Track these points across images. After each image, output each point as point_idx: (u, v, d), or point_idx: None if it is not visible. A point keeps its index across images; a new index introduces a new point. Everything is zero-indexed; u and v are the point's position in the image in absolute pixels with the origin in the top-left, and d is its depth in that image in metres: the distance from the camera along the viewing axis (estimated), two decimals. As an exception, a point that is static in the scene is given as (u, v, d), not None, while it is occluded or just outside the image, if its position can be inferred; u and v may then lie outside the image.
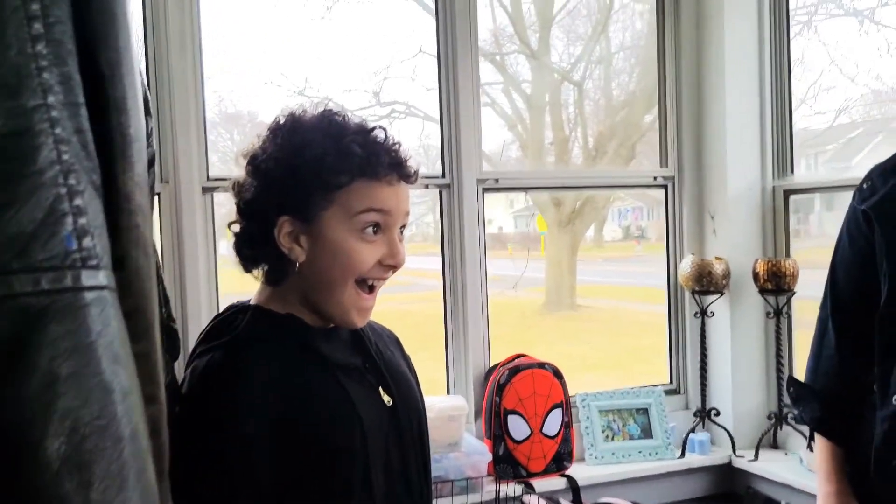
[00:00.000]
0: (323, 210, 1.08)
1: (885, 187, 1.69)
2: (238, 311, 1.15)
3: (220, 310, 1.21)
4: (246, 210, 1.12)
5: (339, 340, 1.18)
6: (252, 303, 1.17)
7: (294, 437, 1.05)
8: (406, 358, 1.34)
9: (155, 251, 0.58)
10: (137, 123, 0.52)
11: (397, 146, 1.13)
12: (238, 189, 1.13)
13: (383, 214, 1.10)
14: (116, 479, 0.42)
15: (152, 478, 0.46)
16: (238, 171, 1.15)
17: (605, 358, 6.15)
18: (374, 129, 1.13)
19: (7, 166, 0.41)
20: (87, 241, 0.44)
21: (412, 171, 1.14)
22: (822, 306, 1.82)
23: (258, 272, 1.16)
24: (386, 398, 1.16)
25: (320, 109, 1.15)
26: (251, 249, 1.14)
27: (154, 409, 0.51)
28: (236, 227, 1.15)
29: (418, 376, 1.35)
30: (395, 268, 1.14)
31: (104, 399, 0.43)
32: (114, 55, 0.50)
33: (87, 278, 0.44)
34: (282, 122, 1.14)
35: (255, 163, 1.11)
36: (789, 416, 2.69)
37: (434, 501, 2.22)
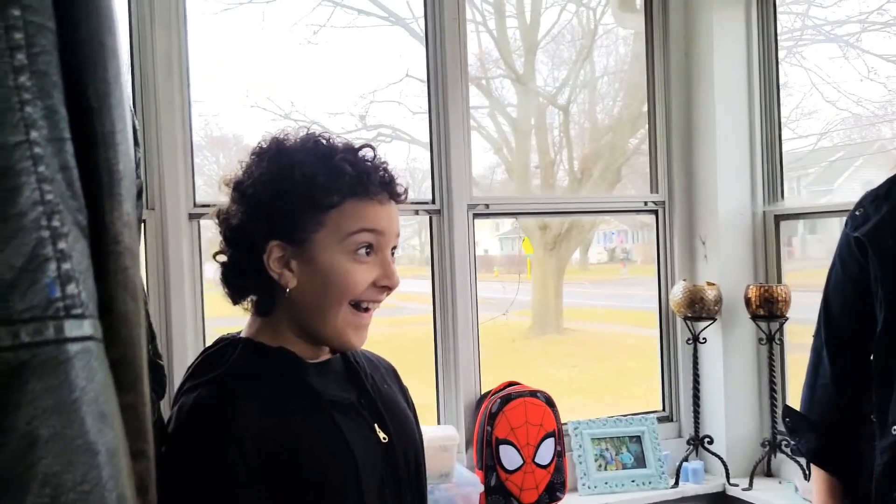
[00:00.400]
0: (314, 233, 1.06)
1: (877, 214, 1.69)
2: (228, 345, 1.11)
3: (207, 339, 1.18)
4: (232, 238, 1.09)
5: (333, 374, 1.15)
6: (242, 335, 1.13)
7: (285, 476, 1.01)
8: (404, 390, 1.30)
9: (144, 294, 0.55)
10: (127, 159, 0.49)
11: (386, 165, 1.12)
12: (223, 217, 1.10)
13: (376, 235, 1.08)
14: (103, 550, 0.39)
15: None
16: (223, 198, 1.12)
17: (593, 382, 6.12)
18: (362, 147, 1.12)
19: (-15, 209, 0.38)
20: (71, 288, 0.41)
21: (402, 190, 1.13)
22: (816, 335, 1.81)
23: (247, 303, 1.13)
24: (381, 434, 1.13)
25: (303, 133, 1.12)
26: (239, 279, 1.11)
27: (142, 465, 0.48)
28: (222, 257, 1.12)
29: (415, 408, 1.31)
30: (389, 289, 1.12)
31: (89, 462, 0.39)
32: (102, 87, 0.47)
33: (71, 329, 0.40)
34: (265, 146, 1.11)
35: (241, 188, 1.08)
36: (783, 444, 2.66)
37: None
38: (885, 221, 1.68)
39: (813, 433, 1.76)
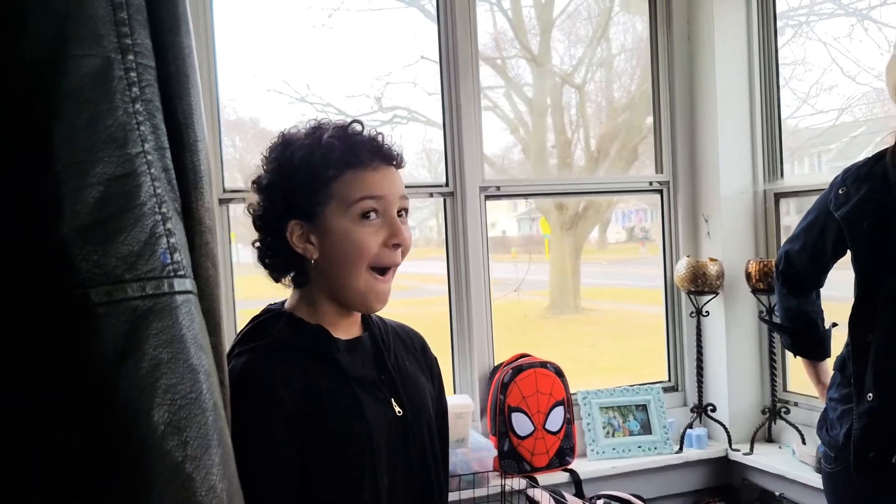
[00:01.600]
0: (324, 206, 1.20)
1: (857, 195, 1.82)
2: (273, 317, 1.27)
3: (238, 321, 1.33)
4: (260, 224, 1.26)
5: (362, 352, 1.29)
6: (286, 307, 1.29)
7: (312, 439, 1.17)
8: (430, 362, 1.45)
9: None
10: (206, 160, 0.65)
11: (376, 135, 1.25)
12: (252, 210, 1.27)
13: (378, 200, 1.21)
14: (204, 440, 0.55)
15: (229, 440, 0.58)
16: (251, 196, 1.29)
17: (611, 361, 6.23)
18: (351, 123, 1.25)
19: (120, 201, 0.54)
20: (177, 256, 0.57)
21: (395, 155, 1.25)
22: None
23: (287, 280, 1.29)
24: (397, 408, 1.27)
25: (310, 125, 1.28)
26: (272, 258, 1.27)
27: (223, 389, 0.64)
28: (257, 243, 1.28)
29: (441, 378, 1.47)
30: (400, 246, 1.23)
31: (193, 378, 0.55)
32: (188, 107, 0.63)
33: (178, 285, 0.56)
34: (275, 141, 1.27)
35: (259, 182, 1.26)
36: (782, 411, 2.80)
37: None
38: (863, 201, 1.82)
39: (788, 337, 2.20)
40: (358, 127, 1.25)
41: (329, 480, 1.19)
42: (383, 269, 1.24)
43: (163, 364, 0.54)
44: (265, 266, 1.28)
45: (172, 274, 0.56)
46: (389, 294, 1.27)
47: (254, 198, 1.27)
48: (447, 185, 2.72)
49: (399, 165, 1.26)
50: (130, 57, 0.58)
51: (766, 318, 2.71)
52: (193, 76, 0.64)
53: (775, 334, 2.83)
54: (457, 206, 2.71)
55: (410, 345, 1.42)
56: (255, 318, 1.29)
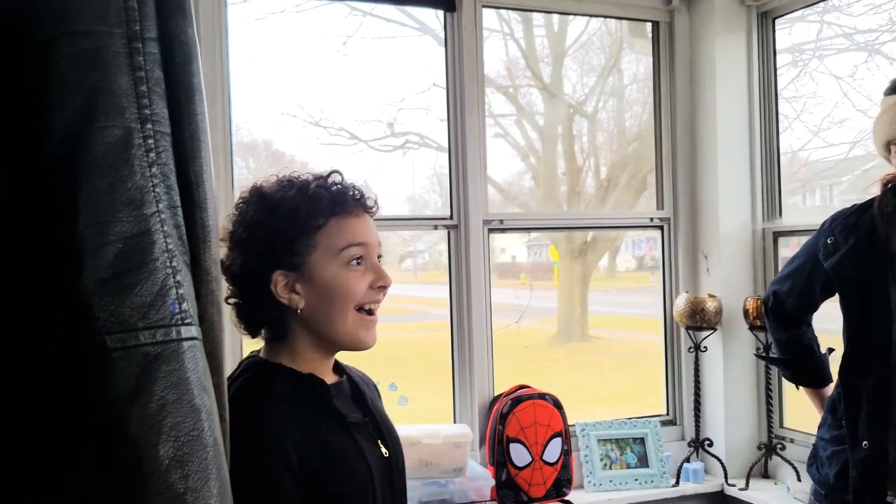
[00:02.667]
0: (309, 255, 1.22)
1: (845, 245, 1.87)
2: (263, 370, 1.25)
3: (245, 348, 1.34)
4: (238, 280, 1.25)
5: (344, 395, 1.31)
6: (271, 359, 1.27)
7: (319, 488, 1.17)
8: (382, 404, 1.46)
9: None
10: (214, 216, 0.71)
11: (355, 184, 1.29)
12: (226, 266, 1.24)
13: (363, 247, 1.24)
14: (204, 473, 0.61)
15: (227, 473, 0.64)
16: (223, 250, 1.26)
17: (616, 390, 6.24)
18: (331, 174, 1.28)
19: (136, 257, 0.61)
20: (185, 305, 0.63)
21: (372, 203, 1.30)
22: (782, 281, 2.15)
23: (264, 333, 1.28)
24: (383, 450, 1.30)
25: (275, 178, 1.28)
26: (252, 313, 1.26)
27: (223, 426, 0.70)
28: (233, 300, 1.27)
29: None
30: (384, 288, 1.27)
31: (196, 417, 0.61)
32: (199, 169, 0.70)
33: (185, 332, 0.63)
34: (247, 195, 1.27)
35: (234, 237, 1.25)
36: (778, 447, 2.84)
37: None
38: (851, 252, 1.87)
39: (788, 371, 2.24)
40: (338, 177, 1.28)
41: None
42: (370, 310, 1.27)
43: (169, 404, 0.60)
44: (244, 322, 1.28)
45: (180, 322, 0.63)
46: (376, 333, 1.29)
47: (225, 252, 1.25)
48: (451, 217, 2.78)
49: (374, 214, 1.31)
50: (149, 126, 0.64)
51: (763, 354, 2.74)
52: (205, 139, 0.71)
53: (773, 369, 2.87)
54: (460, 239, 2.77)
55: (372, 388, 1.43)
56: (243, 372, 1.27)
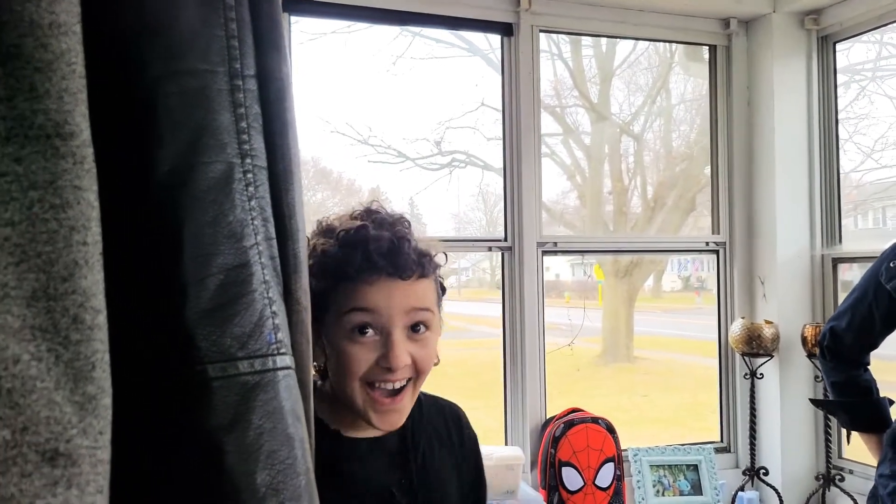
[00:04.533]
0: (324, 313, 1.07)
1: None
2: None
3: None
4: None
5: (382, 451, 1.16)
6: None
7: None
8: (465, 441, 1.30)
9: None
10: (304, 245, 0.73)
11: (386, 243, 1.07)
12: None
13: (371, 314, 1.06)
14: (298, 501, 0.62)
15: (317, 500, 0.66)
16: None
17: (663, 412, 6.16)
18: (361, 227, 1.09)
19: (236, 289, 0.63)
20: (280, 335, 0.65)
21: (406, 267, 1.07)
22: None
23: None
24: None
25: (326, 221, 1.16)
26: None
27: (312, 453, 0.71)
28: None
29: (480, 455, 1.34)
30: (392, 371, 1.06)
31: (290, 445, 0.63)
32: (292, 201, 0.72)
33: (280, 362, 0.64)
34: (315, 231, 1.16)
35: None
36: (837, 478, 2.77)
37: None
38: None
39: (846, 414, 2.13)
40: (364, 233, 1.08)
41: None
42: (389, 390, 1.08)
43: (266, 433, 0.62)
44: None
45: (276, 352, 0.64)
46: (399, 417, 1.10)
47: None
48: (506, 239, 2.79)
49: (408, 278, 1.08)
50: (248, 161, 0.67)
51: (818, 399, 2.64)
52: (297, 172, 0.73)
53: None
54: (514, 261, 2.77)
55: (445, 426, 1.27)
56: None
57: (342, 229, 1.10)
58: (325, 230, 1.13)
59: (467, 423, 1.32)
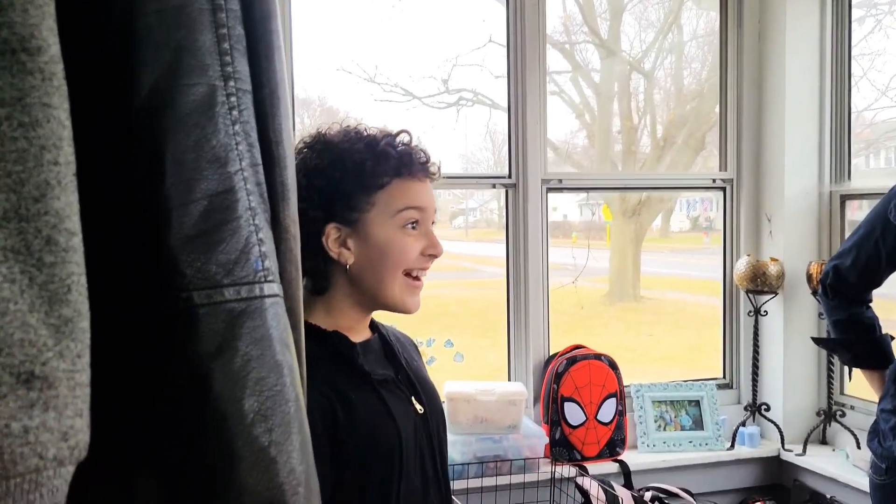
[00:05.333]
0: (366, 212, 1.21)
1: None
2: None
3: None
4: None
5: (374, 352, 1.29)
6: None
7: (340, 445, 1.15)
8: (424, 365, 1.45)
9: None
10: (292, 173, 0.72)
11: (423, 148, 1.28)
12: None
13: (420, 211, 1.23)
14: (287, 428, 0.62)
15: (307, 429, 0.66)
16: None
17: (667, 351, 6.21)
18: (399, 133, 1.27)
19: (221, 215, 0.61)
20: (267, 263, 0.64)
21: (435, 170, 1.28)
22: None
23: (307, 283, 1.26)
24: (418, 407, 1.27)
25: (338, 127, 1.26)
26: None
27: (302, 381, 0.71)
28: None
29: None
30: (435, 256, 1.26)
31: (279, 372, 0.63)
32: (278, 127, 0.70)
33: (268, 289, 0.63)
34: (310, 141, 1.25)
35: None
36: (838, 414, 2.79)
37: (494, 479, 2.42)
38: None
39: (847, 352, 2.15)
40: (407, 137, 1.27)
41: (361, 484, 1.18)
42: (417, 276, 1.26)
43: (253, 359, 0.61)
44: None
45: (263, 279, 0.63)
46: (420, 299, 1.29)
47: None
48: (510, 176, 2.76)
49: (435, 180, 1.29)
50: (231, 83, 0.65)
51: (820, 338, 2.63)
52: (284, 98, 0.71)
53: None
54: (518, 198, 2.75)
55: (409, 346, 1.42)
56: None
57: (387, 134, 1.26)
58: (352, 135, 1.25)
59: (419, 352, 1.47)
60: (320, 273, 1.24)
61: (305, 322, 1.24)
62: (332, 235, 1.21)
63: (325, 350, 1.20)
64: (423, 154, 1.27)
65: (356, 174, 1.21)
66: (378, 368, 1.26)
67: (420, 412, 1.27)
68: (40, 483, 0.44)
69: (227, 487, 0.61)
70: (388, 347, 1.32)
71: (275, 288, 0.65)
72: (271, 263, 0.65)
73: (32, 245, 0.45)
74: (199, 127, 0.62)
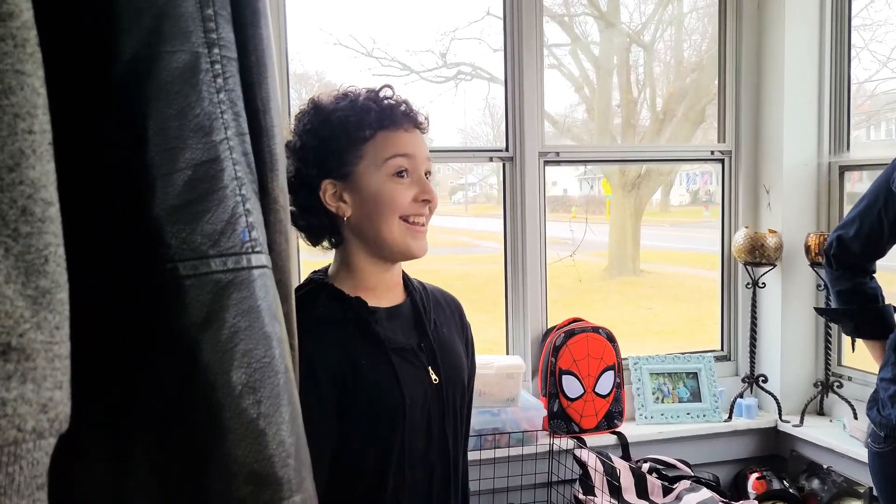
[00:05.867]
0: (356, 165, 1.27)
1: None
2: (314, 289, 1.32)
3: (303, 273, 1.38)
4: (292, 187, 1.29)
5: (402, 318, 1.35)
6: (329, 275, 1.35)
7: (350, 404, 1.24)
8: (465, 328, 1.50)
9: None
10: (280, 142, 0.70)
11: (406, 100, 1.32)
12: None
13: (408, 158, 1.28)
14: (276, 400, 0.61)
15: (297, 400, 0.65)
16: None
17: (667, 324, 6.22)
18: (382, 88, 1.32)
19: (206, 185, 0.60)
20: (254, 234, 0.63)
21: (422, 119, 1.33)
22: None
23: (325, 243, 1.35)
24: (433, 376, 1.33)
25: (335, 93, 1.34)
26: (307, 219, 1.32)
27: (293, 353, 0.70)
28: (291, 206, 1.30)
29: (474, 344, 1.52)
30: (429, 202, 1.30)
31: (267, 344, 0.62)
32: (266, 95, 0.68)
33: (255, 260, 0.62)
34: (304, 107, 1.33)
35: (290, 146, 1.31)
36: (835, 385, 2.79)
37: (492, 452, 2.43)
38: None
39: (851, 322, 2.13)
40: (389, 91, 1.32)
41: (364, 439, 1.25)
42: (415, 222, 1.30)
43: (241, 331, 0.61)
44: (300, 228, 1.34)
45: (250, 250, 0.62)
46: (426, 244, 1.33)
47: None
48: (507, 149, 2.74)
49: (424, 130, 1.34)
50: (216, 51, 0.63)
51: (822, 308, 2.64)
52: (271, 65, 0.69)
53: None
54: (515, 171, 2.73)
55: (449, 311, 1.47)
56: (298, 287, 1.33)
57: (370, 89, 1.31)
58: (340, 96, 1.31)
59: (465, 315, 1.52)
60: (328, 228, 1.32)
61: (330, 286, 1.30)
62: (328, 191, 1.29)
63: (346, 314, 1.28)
64: (405, 105, 1.31)
65: (342, 130, 1.27)
66: (399, 335, 1.32)
67: (435, 381, 1.33)
68: (20, 455, 0.43)
69: (217, 460, 0.60)
70: (419, 315, 1.37)
71: (262, 259, 0.64)
72: (259, 234, 0.64)
73: (7, 215, 0.44)
74: (182, 95, 0.61)
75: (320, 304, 1.29)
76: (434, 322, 1.39)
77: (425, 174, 1.31)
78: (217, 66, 0.63)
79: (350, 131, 1.26)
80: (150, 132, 0.60)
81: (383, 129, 1.27)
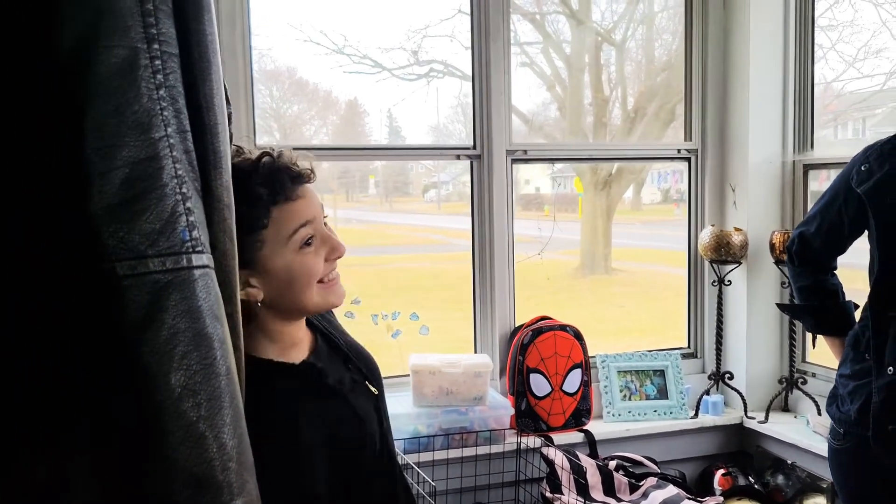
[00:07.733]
0: (259, 251, 1.18)
1: (880, 171, 1.82)
2: (261, 373, 1.16)
3: None
4: None
5: (325, 355, 1.32)
6: (255, 353, 1.24)
7: (320, 453, 1.22)
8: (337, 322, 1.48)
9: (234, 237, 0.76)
10: (225, 141, 0.69)
11: (290, 159, 1.22)
12: None
13: (310, 225, 1.20)
14: (217, 402, 0.60)
15: (240, 402, 0.64)
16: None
17: (638, 322, 6.25)
18: (262, 157, 1.20)
19: (144, 183, 0.59)
20: (195, 233, 0.62)
21: (309, 172, 1.24)
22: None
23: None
24: (372, 388, 1.33)
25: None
26: None
27: (237, 354, 0.69)
28: None
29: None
30: (340, 256, 1.26)
31: (208, 346, 0.61)
32: (209, 92, 0.67)
33: (196, 260, 0.61)
34: None
35: None
36: (799, 381, 2.83)
37: (460, 451, 2.43)
38: (885, 179, 1.82)
39: (810, 317, 2.17)
40: (269, 160, 1.20)
41: (331, 479, 1.24)
42: (331, 279, 1.26)
43: (180, 333, 0.60)
44: None
45: (191, 250, 0.61)
46: (343, 287, 1.29)
47: None
48: (474, 147, 2.74)
49: (313, 179, 1.25)
50: (156, 46, 0.62)
51: (784, 304, 2.65)
52: (215, 61, 0.68)
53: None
54: (483, 169, 2.73)
55: (329, 315, 1.44)
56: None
57: (253, 165, 1.19)
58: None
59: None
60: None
61: (269, 361, 1.24)
62: None
63: (303, 384, 1.25)
64: (293, 168, 1.21)
65: (239, 224, 1.17)
66: (335, 372, 1.30)
67: (375, 393, 1.33)
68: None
69: (157, 462, 0.59)
70: (332, 342, 1.35)
71: (204, 259, 0.63)
72: (201, 233, 0.63)
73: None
74: (119, 91, 0.60)
75: (279, 390, 1.22)
76: (342, 339, 1.37)
77: (324, 224, 1.25)
78: (157, 62, 0.62)
79: (246, 226, 1.12)
80: (87, 129, 0.59)
81: (277, 206, 1.18)
